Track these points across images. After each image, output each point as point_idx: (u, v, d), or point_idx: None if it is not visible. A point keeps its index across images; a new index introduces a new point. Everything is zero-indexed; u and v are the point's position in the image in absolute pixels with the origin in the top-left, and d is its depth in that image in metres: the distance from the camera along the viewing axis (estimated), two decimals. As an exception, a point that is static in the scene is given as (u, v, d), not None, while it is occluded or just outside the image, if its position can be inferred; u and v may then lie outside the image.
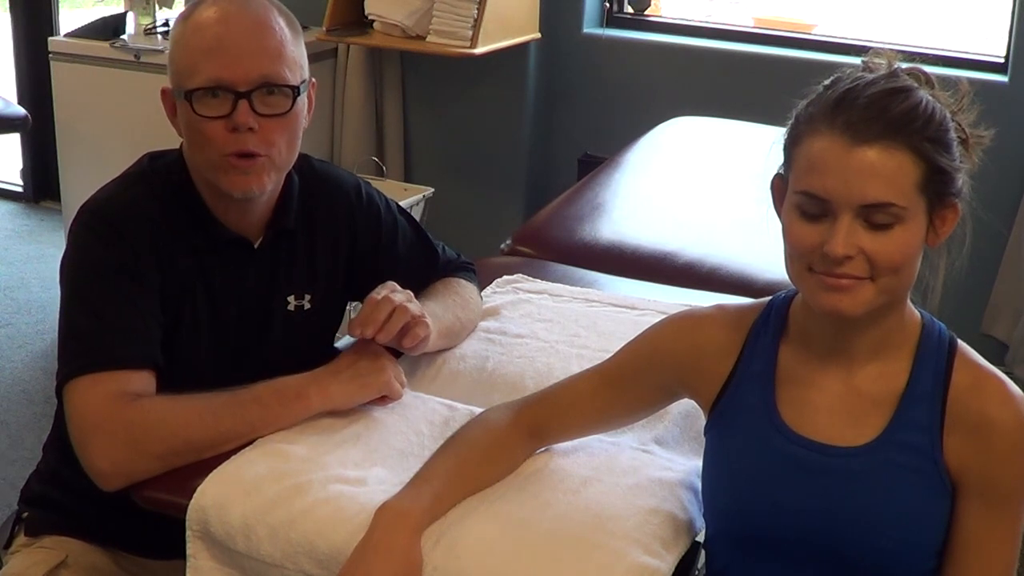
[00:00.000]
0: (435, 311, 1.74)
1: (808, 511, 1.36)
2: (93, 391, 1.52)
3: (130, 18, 3.85)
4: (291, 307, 1.75)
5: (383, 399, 1.65)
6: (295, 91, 1.62)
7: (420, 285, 1.84)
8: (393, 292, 1.67)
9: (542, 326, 1.94)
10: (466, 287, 1.91)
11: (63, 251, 1.66)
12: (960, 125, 1.32)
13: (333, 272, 1.79)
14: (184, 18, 1.63)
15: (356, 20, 3.76)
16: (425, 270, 1.88)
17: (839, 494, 1.34)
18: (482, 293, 2.02)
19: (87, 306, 1.59)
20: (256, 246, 1.71)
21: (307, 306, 1.76)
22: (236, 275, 1.69)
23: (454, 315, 1.83)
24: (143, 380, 1.56)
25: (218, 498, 1.46)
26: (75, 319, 1.59)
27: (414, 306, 1.67)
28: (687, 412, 1.67)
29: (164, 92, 1.67)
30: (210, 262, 1.67)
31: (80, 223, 1.64)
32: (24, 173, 5.03)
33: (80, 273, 1.62)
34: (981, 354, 1.38)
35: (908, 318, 1.37)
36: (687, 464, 1.57)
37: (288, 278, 1.74)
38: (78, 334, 1.58)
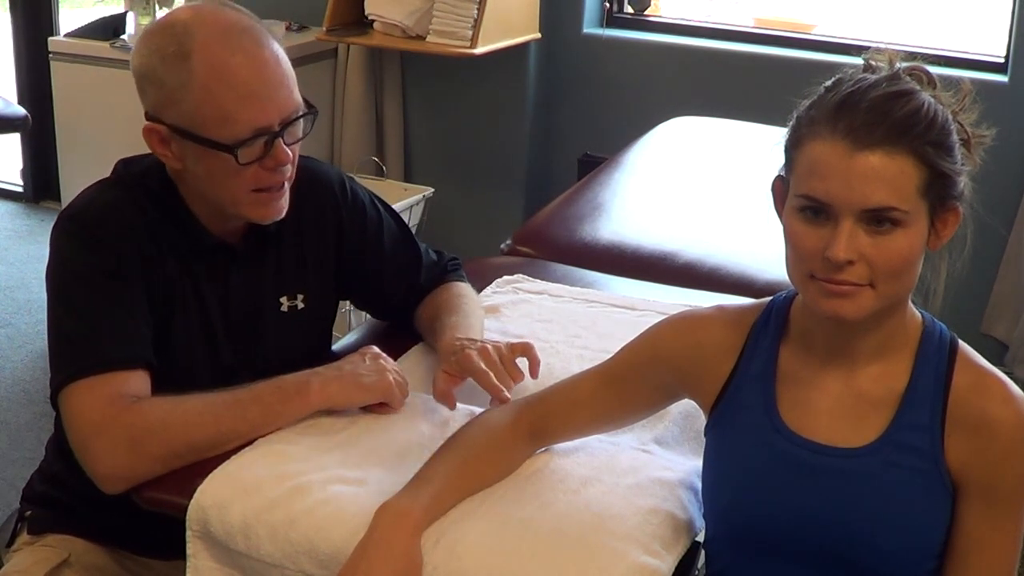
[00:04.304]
0: (460, 323, 1.75)
1: (809, 512, 1.36)
2: (90, 395, 1.51)
3: (130, 18, 3.85)
4: (284, 308, 1.74)
5: (382, 406, 1.64)
6: (311, 111, 1.62)
7: (407, 283, 1.84)
8: (472, 344, 1.67)
9: (542, 326, 1.95)
10: (466, 287, 1.91)
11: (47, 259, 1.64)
12: (962, 125, 1.32)
13: (323, 269, 1.78)
14: (183, 58, 1.54)
15: (356, 20, 3.76)
16: (411, 268, 1.87)
17: (840, 495, 1.34)
18: (482, 293, 2.02)
19: (74, 311, 1.57)
20: (237, 251, 1.70)
21: (300, 306, 1.75)
22: (221, 280, 1.68)
23: (478, 319, 1.84)
24: (138, 380, 1.55)
25: (218, 498, 1.46)
26: (64, 325, 1.58)
27: (495, 341, 1.70)
28: (687, 412, 1.67)
29: (152, 130, 1.58)
30: (196, 268, 1.66)
31: (59, 229, 1.62)
32: (24, 173, 5.03)
33: (64, 279, 1.60)
34: (981, 354, 1.38)
35: (909, 319, 1.37)
36: (687, 464, 1.57)
37: (278, 279, 1.73)
38: (68, 339, 1.56)
